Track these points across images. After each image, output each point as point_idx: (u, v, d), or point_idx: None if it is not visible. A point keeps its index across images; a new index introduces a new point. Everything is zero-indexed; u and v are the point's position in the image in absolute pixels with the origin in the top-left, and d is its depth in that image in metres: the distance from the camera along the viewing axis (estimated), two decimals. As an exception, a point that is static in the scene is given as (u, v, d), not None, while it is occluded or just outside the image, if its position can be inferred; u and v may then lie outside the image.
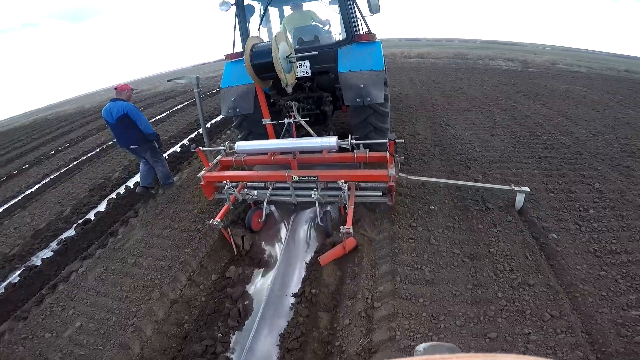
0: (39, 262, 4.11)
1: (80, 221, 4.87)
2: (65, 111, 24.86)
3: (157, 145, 4.71)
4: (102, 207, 5.25)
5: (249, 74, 3.30)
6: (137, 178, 5.96)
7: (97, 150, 8.58)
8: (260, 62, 3.21)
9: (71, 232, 4.65)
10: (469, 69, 12.09)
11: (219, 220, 3.31)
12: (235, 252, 3.49)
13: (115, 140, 6.05)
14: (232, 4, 3.96)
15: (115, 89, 4.44)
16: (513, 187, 3.20)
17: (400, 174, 3.30)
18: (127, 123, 4.26)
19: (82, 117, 17.13)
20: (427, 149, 4.91)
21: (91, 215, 5.00)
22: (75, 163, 7.96)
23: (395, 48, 20.29)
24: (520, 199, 3.26)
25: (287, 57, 3.30)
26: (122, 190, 5.73)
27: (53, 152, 10.09)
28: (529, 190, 3.22)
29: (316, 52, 3.71)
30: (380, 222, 3.45)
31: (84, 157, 8.27)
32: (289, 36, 4.82)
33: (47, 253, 4.32)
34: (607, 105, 6.78)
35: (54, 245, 4.46)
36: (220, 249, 3.60)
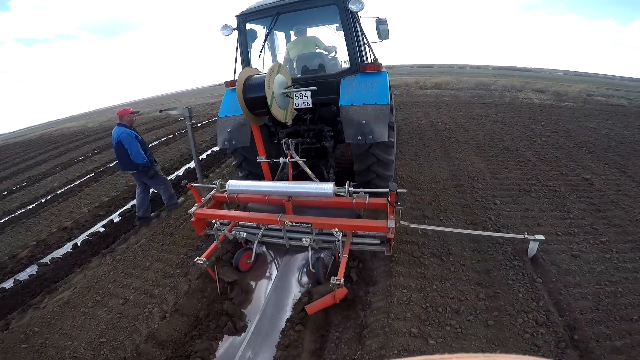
0: None
1: None
2: (69, 129, 23.68)
3: (154, 172, 4.47)
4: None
5: (241, 109, 2.92)
6: (32, 269, 4.21)
7: (35, 204, 6.58)
8: (254, 96, 2.83)
9: None
10: (498, 105, 9.79)
11: (204, 259, 2.98)
12: (219, 293, 3.11)
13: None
14: (234, 28, 3.72)
15: (117, 113, 4.31)
16: (525, 236, 2.91)
17: (402, 222, 3.02)
18: (123, 149, 4.14)
19: (72, 141, 15.55)
20: (471, 314, 2.53)
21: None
22: (2, 220, 5.99)
23: (408, 76, 18.16)
24: (533, 247, 2.92)
25: (285, 88, 2.97)
26: (9, 283, 3.93)
27: (6, 192, 8.24)
28: (543, 238, 2.86)
29: (315, 88, 3.13)
30: None
31: (19, 212, 6.34)
32: (293, 63, 4.44)
33: None
34: None
35: None
36: None
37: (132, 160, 4.16)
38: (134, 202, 5.65)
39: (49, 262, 4.20)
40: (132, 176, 4.73)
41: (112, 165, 8.37)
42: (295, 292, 3.08)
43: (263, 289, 3.19)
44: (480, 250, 3.14)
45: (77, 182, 7.41)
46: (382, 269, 3.04)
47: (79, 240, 4.62)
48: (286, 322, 2.72)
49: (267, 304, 2.98)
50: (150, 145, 9.35)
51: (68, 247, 4.54)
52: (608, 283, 2.63)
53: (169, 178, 6.07)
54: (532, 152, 5.41)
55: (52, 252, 4.49)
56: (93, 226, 5.04)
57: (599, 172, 4.66)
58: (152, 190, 4.80)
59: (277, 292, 3.10)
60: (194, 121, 4.36)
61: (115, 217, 5.17)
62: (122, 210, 5.42)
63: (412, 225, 3.12)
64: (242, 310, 2.94)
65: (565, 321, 2.34)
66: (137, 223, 4.60)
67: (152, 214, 4.72)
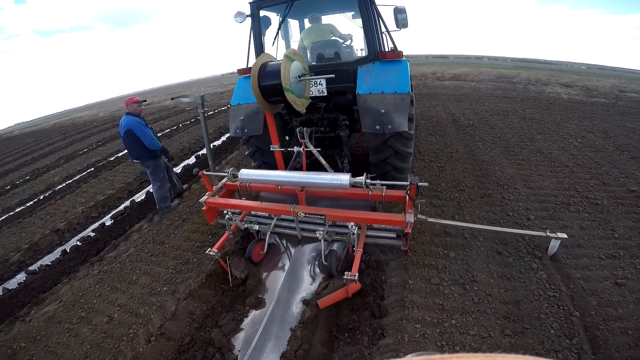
0: None
1: None
2: (81, 118, 23.87)
3: (165, 160, 4.48)
4: None
5: (255, 97, 2.75)
6: (21, 276, 4.01)
7: (33, 201, 6.43)
8: (269, 83, 2.67)
9: None
10: (524, 99, 9.06)
11: (216, 250, 2.95)
12: (232, 284, 3.02)
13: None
14: (248, 16, 3.66)
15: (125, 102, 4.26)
16: (548, 234, 2.81)
17: (419, 216, 2.92)
18: (133, 138, 4.06)
19: (80, 131, 15.53)
20: None
21: None
22: (1, 219, 5.84)
23: (424, 67, 17.30)
24: (554, 245, 2.83)
25: (299, 77, 2.76)
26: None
27: (9, 187, 8.16)
28: (565, 236, 2.76)
29: (332, 75, 3.00)
30: None
31: (18, 209, 6.23)
32: (307, 51, 4.43)
33: None
34: None
35: None
36: None
37: (141, 149, 4.09)
38: (127, 203, 5.40)
39: (37, 270, 3.98)
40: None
41: (112, 159, 8.18)
42: (306, 284, 2.97)
43: (274, 282, 3.07)
44: (511, 277, 2.71)
45: (76, 178, 7.22)
46: (394, 298, 2.65)
47: (68, 246, 4.39)
48: (280, 357, 2.39)
49: (278, 297, 2.82)
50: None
51: (58, 252, 4.32)
52: (655, 315, 2.25)
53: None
54: (568, 156, 4.82)
55: (42, 258, 4.31)
56: (85, 229, 4.82)
57: (644, 179, 4.09)
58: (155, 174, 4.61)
59: (287, 284, 2.96)
60: (206, 109, 4.26)
61: (107, 220, 4.91)
62: (114, 212, 5.16)
63: (429, 219, 3.01)
64: (231, 340, 2.61)
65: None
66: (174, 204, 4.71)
67: (184, 186, 5.03)
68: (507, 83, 12.60)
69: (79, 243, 4.36)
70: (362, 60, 3.51)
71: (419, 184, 2.53)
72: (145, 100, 4.64)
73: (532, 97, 9.43)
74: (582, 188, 3.90)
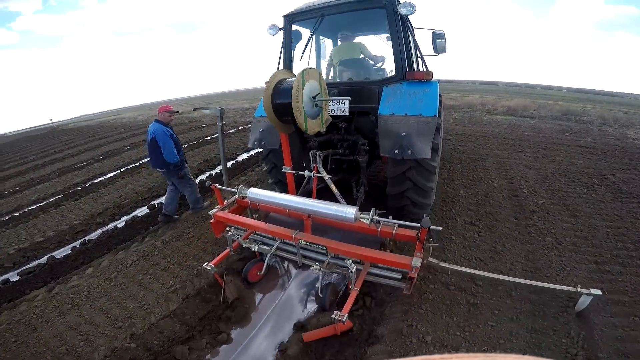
0: None
1: None
2: (122, 120, 24.39)
3: (184, 173, 4.22)
4: None
5: (267, 116, 2.65)
6: None
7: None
8: (282, 102, 2.56)
9: None
10: (606, 151, 6.65)
11: (213, 265, 2.86)
12: (222, 301, 2.90)
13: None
14: (280, 29, 3.63)
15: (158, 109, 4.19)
16: (578, 289, 2.34)
17: (431, 259, 2.66)
18: (156, 146, 3.97)
19: (107, 135, 15.23)
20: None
21: None
22: None
23: (471, 95, 14.99)
24: (584, 301, 2.36)
25: (313, 97, 2.65)
26: None
27: (6, 191, 7.48)
28: (599, 292, 2.29)
29: (349, 98, 3.00)
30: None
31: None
32: (335, 69, 4.36)
33: None
34: None
35: None
36: None
37: (163, 159, 3.97)
38: (70, 247, 4.22)
39: None
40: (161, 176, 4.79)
41: (97, 181, 7.13)
42: (297, 312, 2.79)
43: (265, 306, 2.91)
44: None
45: (43, 204, 6.13)
46: None
47: None
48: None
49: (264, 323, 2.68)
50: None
51: None
52: None
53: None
54: None
55: None
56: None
57: None
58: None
59: (279, 310, 2.82)
60: (224, 122, 4.16)
61: (13, 277, 3.74)
62: (31, 264, 3.97)
63: (441, 264, 2.68)
64: None
65: None
66: (160, 219, 4.34)
67: (176, 216, 4.42)
68: (575, 122, 10.19)
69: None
70: (388, 80, 3.34)
71: (431, 227, 2.25)
72: (178, 111, 4.47)
73: (614, 147, 7.08)
74: None
